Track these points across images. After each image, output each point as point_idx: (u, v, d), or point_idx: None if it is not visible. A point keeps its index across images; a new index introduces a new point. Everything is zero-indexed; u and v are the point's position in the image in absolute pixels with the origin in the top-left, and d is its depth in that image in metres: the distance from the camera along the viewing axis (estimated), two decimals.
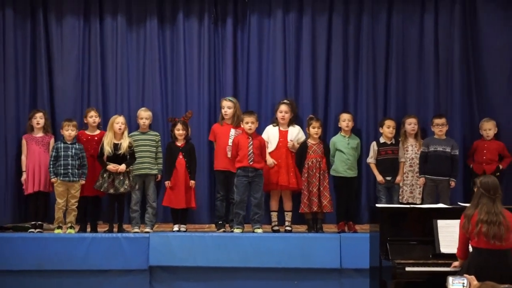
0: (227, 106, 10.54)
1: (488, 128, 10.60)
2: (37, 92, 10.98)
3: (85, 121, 10.54)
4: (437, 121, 10.50)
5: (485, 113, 10.86)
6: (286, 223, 10.46)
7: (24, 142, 10.43)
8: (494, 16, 10.96)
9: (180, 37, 11.13)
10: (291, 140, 10.38)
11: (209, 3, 11.09)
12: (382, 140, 10.53)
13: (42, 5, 10.97)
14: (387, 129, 10.47)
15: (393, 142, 10.50)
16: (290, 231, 10.39)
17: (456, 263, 7.26)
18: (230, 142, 10.41)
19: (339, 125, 10.56)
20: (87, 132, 10.50)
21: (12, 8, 10.87)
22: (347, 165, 10.40)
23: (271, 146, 10.45)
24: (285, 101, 10.62)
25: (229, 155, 10.36)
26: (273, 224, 10.47)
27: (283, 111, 10.50)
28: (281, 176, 10.31)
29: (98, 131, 10.52)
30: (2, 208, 10.64)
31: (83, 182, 10.14)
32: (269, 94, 11.17)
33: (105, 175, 10.06)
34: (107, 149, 10.05)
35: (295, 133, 10.49)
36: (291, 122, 10.55)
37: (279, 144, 10.42)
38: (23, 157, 10.41)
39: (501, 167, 10.48)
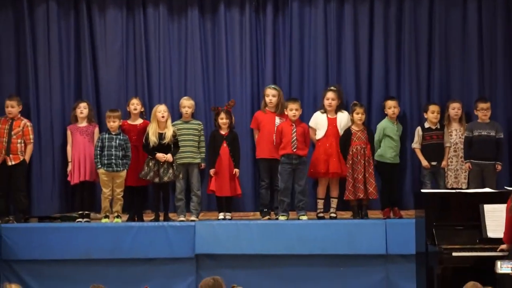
0: (272, 94, 10.58)
1: None
2: (82, 83, 11.10)
3: (128, 110, 10.66)
4: (481, 105, 10.45)
5: None
6: (331, 210, 10.51)
7: (69, 132, 10.58)
8: None
9: (221, 26, 11.16)
10: None
11: None
12: (426, 125, 10.54)
13: None
14: (431, 114, 10.46)
15: (438, 127, 10.51)
16: (335, 218, 10.44)
17: (503, 246, 7.28)
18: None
19: (385, 112, 10.58)
20: (129, 122, 10.61)
21: (56, 1, 11.00)
22: (395, 152, 10.46)
23: (319, 133, 10.49)
24: (332, 88, 10.63)
25: (275, 143, 10.43)
26: (318, 211, 10.51)
27: (330, 98, 10.51)
28: (332, 164, 10.32)
29: (140, 120, 10.62)
30: (49, 198, 10.84)
31: (126, 170, 10.25)
32: (311, 81, 11.19)
33: (150, 164, 10.17)
34: (153, 139, 10.15)
35: (344, 120, 10.51)
36: (338, 109, 10.57)
37: (328, 132, 10.44)
38: (69, 148, 10.56)
39: None
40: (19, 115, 10.47)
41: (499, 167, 10.36)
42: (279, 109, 10.53)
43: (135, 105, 10.56)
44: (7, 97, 10.52)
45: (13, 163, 10.34)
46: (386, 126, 10.51)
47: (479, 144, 10.33)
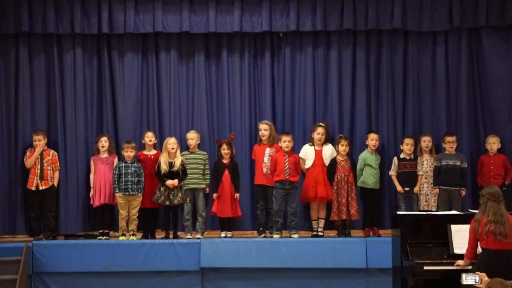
0: (264, 129, 10.64)
1: (493, 142, 10.64)
2: (103, 118, 11.17)
3: (143, 142, 10.73)
4: (448, 138, 10.60)
5: (490, 131, 10.93)
6: (319, 229, 10.56)
7: (92, 162, 10.67)
8: (497, 46, 11.03)
9: (224, 69, 11.25)
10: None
11: (249, 40, 11.23)
12: (402, 155, 10.63)
13: (106, 44, 11.15)
14: (406, 146, 10.57)
15: (412, 157, 10.59)
16: (322, 236, 10.46)
17: (459, 262, 7.36)
18: (265, 159, 10.52)
19: (367, 143, 10.67)
20: (144, 152, 10.68)
21: (81, 48, 11.08)
22: (376, 179, 10.53)
23: (308, 163, 10.55)
24: (321, 124, 10.72)
25: (264, 170, 10.49)
26: (314, 230, 10.58)
27: (320, 133, 10.58)
28: (319, 189, 10.39)
29: (154, 151, 10.68)
30: (74, 219, 10.88)
31: (140, 194, 10.35)
32: (300, 117, 11.27)
33: (162, 189, 10.25)
34: (164, 167, 10.23)
35: (329, 152, 10.59)
36: (324, 142, 10.66)
37: (315, 162, 10.51)
38: (91, 175, 10.64)
39: (506, 182, 10.50)
40: (46, 147, 10.60)
41: (463, 193, 10.47)
42: (271, 141, 10.59)
43: (149, 137, 10.65)
44: (34, 132, 10.64)
45: (44, 187, 10.46)
46: (366, 157, 10.59)
47: (447, 172, 10.43)
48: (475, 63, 11.13)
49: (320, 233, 10.54)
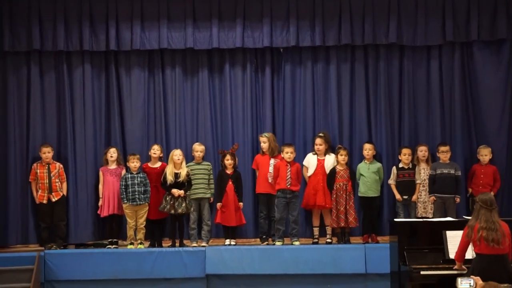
0: (263, 141, 10.72)
1: (485, 154, 10.72)
2: (111, 132, 11.19)
3: (149, 154, 10.79)
4: (442, 148, 10.66)
5: (482, 142, 10.99)
6: (328, 236, 10.64)
7: (100, 173, 10.74)
8: (488, 60, 11.10)
9: (226, 83, 11.29)
10: None
11: (250, 55, 11.28)
12: (400, 165, 10.69)
13: (114, 61, 11.20)
14: (404, 156, 10.65)
15: (410, 167, 10.66)
16: (330, 243, 10.51)
17: (456, 266, 7.46)
18: (270, 169, 10.58)
19: (363, 153, 10.77)
20: (150, 165, 10.73)
21: (90, 64, 11.13)
22: (367, 187, 10.58)
23: (310, 171, 10.64)
24: (320, 134, 10.79)
25: (270, 180, 10.55)
26: (314, 237, 10.63)
27: (318, 143, 10.67)
28: (318, 197, 10.47)
29: (159, 164, 10.72)
30: (84, 228, 10.92)
31: (147, 204, 10.44)
32: (301, 129, 11.32)
33: (167, 199, 10.32)
34: (169, 178, 10.32)
35: (331, 161, 10.64)
36: (327, 151, 10.73)
37: (316, 170, 10.59)
38: (100, 186, 10.70)
39: (492, 193, 10.39)
40: (52, 160, 10.66)
41: (458, 200, 10.52)
42: (271, 152, 10.65)
43: (155, 150, 10.70)
44: (42, 145, 10.69)
45: (56, 199, 10.54)
46: (360, 167, 10.70)
47: (441, 180, 10.49)
48: (468, 76, 11.19)
49: (328, 240, 10.61)
